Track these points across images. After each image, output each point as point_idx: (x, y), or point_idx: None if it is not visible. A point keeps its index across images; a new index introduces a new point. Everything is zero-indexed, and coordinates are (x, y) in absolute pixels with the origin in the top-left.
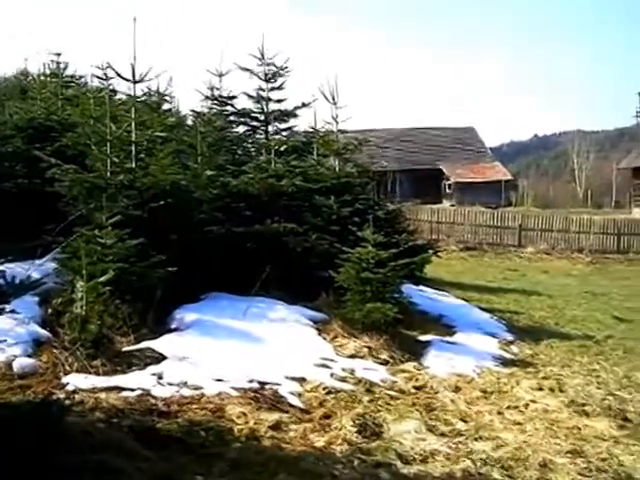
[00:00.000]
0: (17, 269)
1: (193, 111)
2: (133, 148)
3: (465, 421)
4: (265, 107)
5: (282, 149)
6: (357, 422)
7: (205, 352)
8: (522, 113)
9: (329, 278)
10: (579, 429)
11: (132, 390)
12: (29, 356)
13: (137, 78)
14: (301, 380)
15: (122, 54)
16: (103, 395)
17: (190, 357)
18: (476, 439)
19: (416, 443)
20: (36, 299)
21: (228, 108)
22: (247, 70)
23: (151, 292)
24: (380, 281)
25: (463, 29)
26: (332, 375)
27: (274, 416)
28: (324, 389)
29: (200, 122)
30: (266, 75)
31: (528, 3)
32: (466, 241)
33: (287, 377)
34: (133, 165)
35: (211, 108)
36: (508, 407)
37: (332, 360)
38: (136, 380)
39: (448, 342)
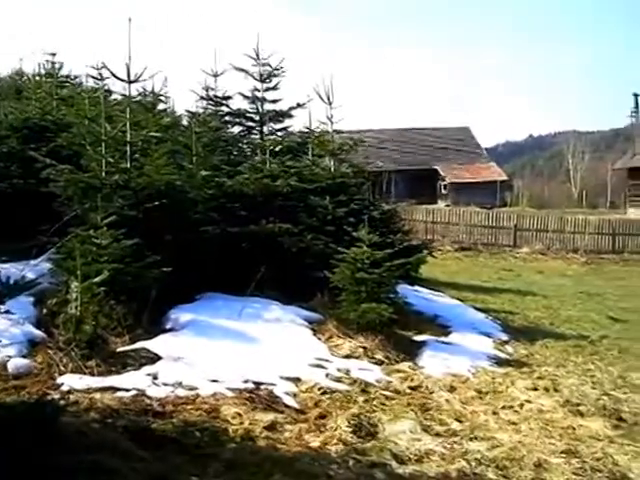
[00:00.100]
0: (12, 269)
1: (188, 111)
2: (128, 148)
3: (460, 421)
4: (260, 107)
5: (277, 149)
6: (352, 422)
7: (200, 352)
8: (517, 113)
9: (324, 278)
10: (574, 429)
11: (127, 390)
12: (24, 356)
13: (132, 78)
14: (296, 380)
15: (117, 54)
16: (98, 395)
17: (185, 357)
18: (471, 439)
19: (411, 443)
20: (31, 299)
21: (223, 108)
22: (242, 70)
23: (146, 292)
24: (375, 281)
25: (463, 29)
26: (327, 375)
27: (269, 416)
28: (319, 389)
29: (195, 122)
30: (261, 75)
31: (528, 3)
32: (461, 241)
33: (282, 377)
34: (128, 165)
35: (206, 108)
36: (503, 407)
37: (327, 360)
38: (131, 380)
39: (443, 342)
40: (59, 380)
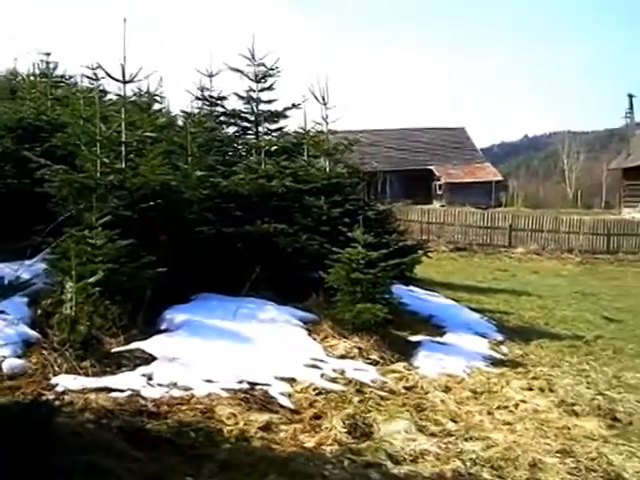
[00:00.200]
0: (6, 270)
1: (183, 111)
2: (123, 148)
3: (455, 421)
4: (255, 108)
5: (272, 150)
6: (347, 422)
7: (195, 353)
8: (513, 114)
9: (319, 279)
10: (569, 429)
11: (122, 391)
12: (18, 357)
13: (127, 78)
14: (291, 381)
15: (112, 54)
16: (93, 396)
17: (180, 358)
18: (466, 439)
19: (406, 443)
20: (25, 300)
21: (218, 109)
22: (237, 71)
23: (141, 293)
24: (370, 282)
25: (463, 29)
26: (322, 376)
27: (264, 417)
28: (314, 390)
29: (190, 123)
30: (256, 76)
31: (528, 3)
32: (456, 241)
33: (277, 378)
34: (123, 165)
35: (201, 108)
36: (498, 407)
37: (322, 361)
38: (126, 381)
39: (438, 342)
40: (54, 380)
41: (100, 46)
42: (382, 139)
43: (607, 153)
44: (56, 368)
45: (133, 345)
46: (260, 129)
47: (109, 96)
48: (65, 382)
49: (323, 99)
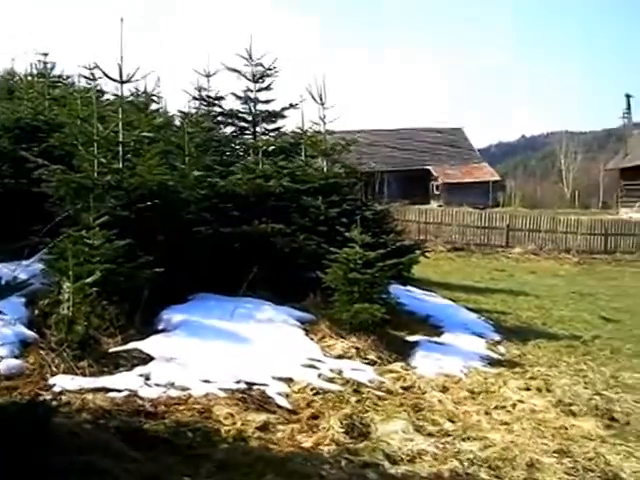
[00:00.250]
0: (4, 270)
1: (181, 111)
2: (120, 148)
3: (453, 421)
4: (253, 108)
5: (270, 150)
6: (345, 422)
7: (192, 353)
8: (510, 114)
9: (317, 279)
10: (566, 429)
11: (119, 391)
12: (16, 357)
13: (124, 78)
14: (289, 381)
15: (110, 54)
16: (90, 396)
17: (177, 358)
18: (463, 439)
19: (404, 443)
20: (23, 300)
21: (216, 109)
22: (235, 71)
23: (138, 293)
24: (368, 282)
25: (462, 29)
26: (320, 376)
27: (261, 417)
28: (312, 390)
29: (188, 123)
30: (254, 76)
31: (527, 3)
32: (454, 241)
33: (275, 378)
34: (120, 165)
35: (199, 109)
36: (495, 407)
37: (320, 361)
38: (123, 381)
39: (436, 342)
40: (51, 381)
41: (98, 46)
42: (380, 139)
43: (604, 153)
44: (53, 368)
45: (130, 345)
46: (258, 129)
47: (106, 96)
48: (62, 382)
49: (320, 99)
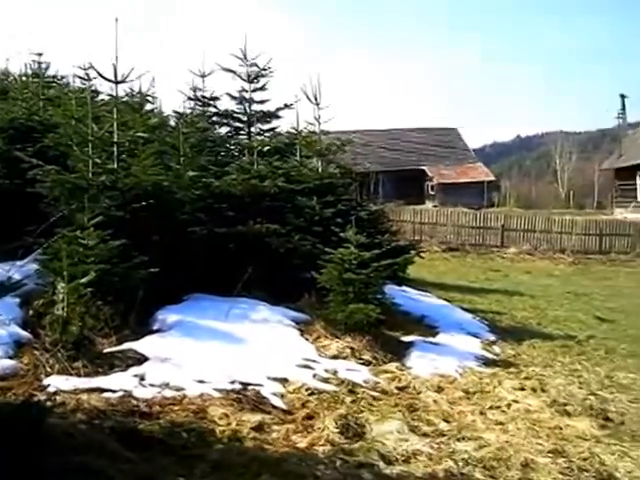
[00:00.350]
0: None
1: (176, 112)
2: (115, 149)
3: (447, 421)
4: (248, 108)
5: (265, 150)
6: (340, 423)
7: (187, 353)
8: (505, 114)
9: (312, 279)
10: (561, 429)
11: (114, 391)
12: (10, 358)
13: (119, 78)
14: (284, 381)
15: (105, 55)
16: (85, 396)
17: (172, 358)
18: (458, 439)
19: (398, 443)
20: (17, 300)
21: (211, 109)
22: (230, 71)
23: (133, 293)
24: (363, 282)
25: (462, 29)
26: (315, 376)
27: (256, 417)
28: (307, 390)
29: (183, 123)
30: (249, 76)
31: (526, 3)
32: (449, 242)
33: (269, 378)
34: (115, 166)
35: (194, 109)
36: (490, 407)
37: (315, 361)
38: (118, 381)
39: (431, 343)
40: (45, 381)
41: (94, 46)
42: (375, 139)
43: (599, 153)
44: (48, 369)
45: (125, 345)
46: (252, 129)
47: (101, 96)
48: (57, 383)
49: (315, 99)
